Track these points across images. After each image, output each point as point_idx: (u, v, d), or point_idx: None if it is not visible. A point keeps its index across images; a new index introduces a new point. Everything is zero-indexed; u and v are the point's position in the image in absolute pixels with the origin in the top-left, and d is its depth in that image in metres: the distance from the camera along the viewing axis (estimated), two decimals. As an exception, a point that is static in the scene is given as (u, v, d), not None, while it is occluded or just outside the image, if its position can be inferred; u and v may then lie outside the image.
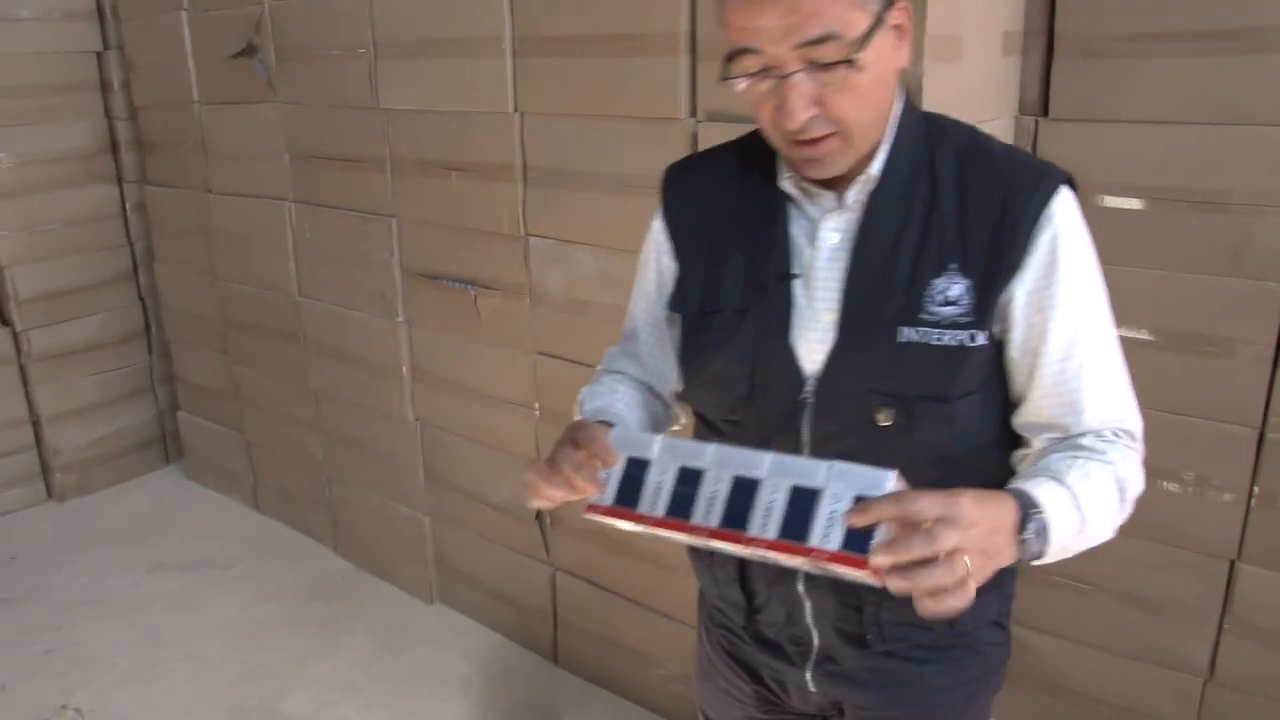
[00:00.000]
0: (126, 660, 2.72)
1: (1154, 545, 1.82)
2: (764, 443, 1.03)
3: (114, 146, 3.62)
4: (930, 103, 1.52)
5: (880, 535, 0.85)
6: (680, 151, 1.93)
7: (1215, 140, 1.63)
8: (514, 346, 2.41)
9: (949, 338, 0.99)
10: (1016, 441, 1.09)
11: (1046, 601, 1.93)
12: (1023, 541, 0.91)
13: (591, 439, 1.01)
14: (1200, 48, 1.60)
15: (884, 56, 0.97)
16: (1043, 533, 0.92)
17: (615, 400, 1.21)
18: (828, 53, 0.93)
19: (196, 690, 2.59)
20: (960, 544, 0.83)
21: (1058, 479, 0.97)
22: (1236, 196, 1.63)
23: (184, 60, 3.11)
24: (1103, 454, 1.01)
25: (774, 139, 1.02)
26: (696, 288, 1.14)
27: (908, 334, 1.00)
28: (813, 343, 1.05)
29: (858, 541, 0.86)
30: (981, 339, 1.00)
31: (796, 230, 1.08)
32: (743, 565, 1.16)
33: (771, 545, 0.90)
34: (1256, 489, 1.72)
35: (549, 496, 1.03)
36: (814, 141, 0.98)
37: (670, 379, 1.24)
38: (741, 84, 0.98)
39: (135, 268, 3.75)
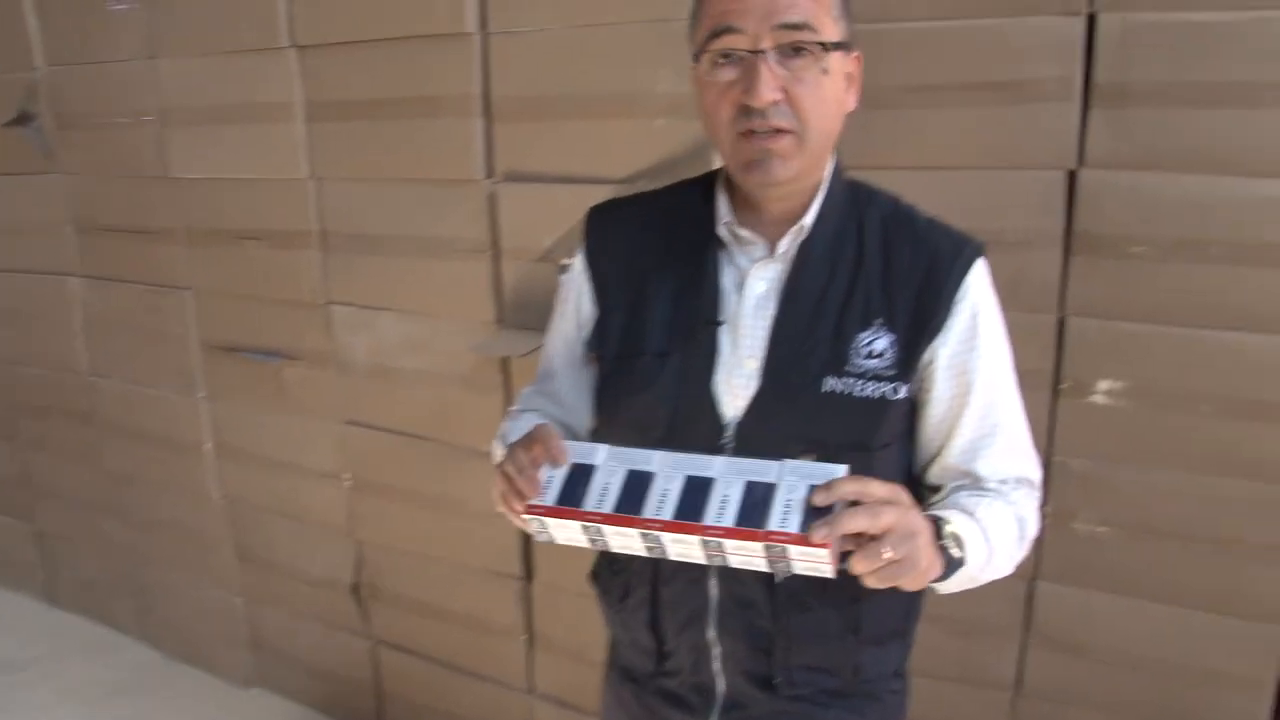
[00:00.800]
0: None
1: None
2: None
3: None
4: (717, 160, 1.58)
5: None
6: (479, 213, 1.95)
7: (988, 183, 1.74)
8: (321, 417, 2.34)
9: (872, 389, 1.04)
10: (922, 496, 1.15)
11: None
12: (942, 547, 0.96)
13: (546, 434, 1.00)
14: (969, 98, 1.72)
15: (841, 79, 1.04)
16: (957, 543, 0.98)
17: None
18: (803, 37, 0.98)
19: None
20: (895, 522, 0.88)
21: (967, 512, 1.04)
22: (1010, 235, 1.74)
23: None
24: (1005, 495, 1.09)
25: (727, 137, 1.03)
26: (617, 329, 1.14)
27: (832, 384, 1.04)
28: (735, 389, 1.07)
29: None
30: (903, 393, 1.05)
31: (725, 278, 1.11)
32: (654, 612, 1.16)
33: (729, 532, 0.90)
34: (1048, 509, 1.82)
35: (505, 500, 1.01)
36: (769, 135, 1.01)
37: (588, 420, 1.24)
38: (715, 73, 1.01)
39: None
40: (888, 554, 0.88)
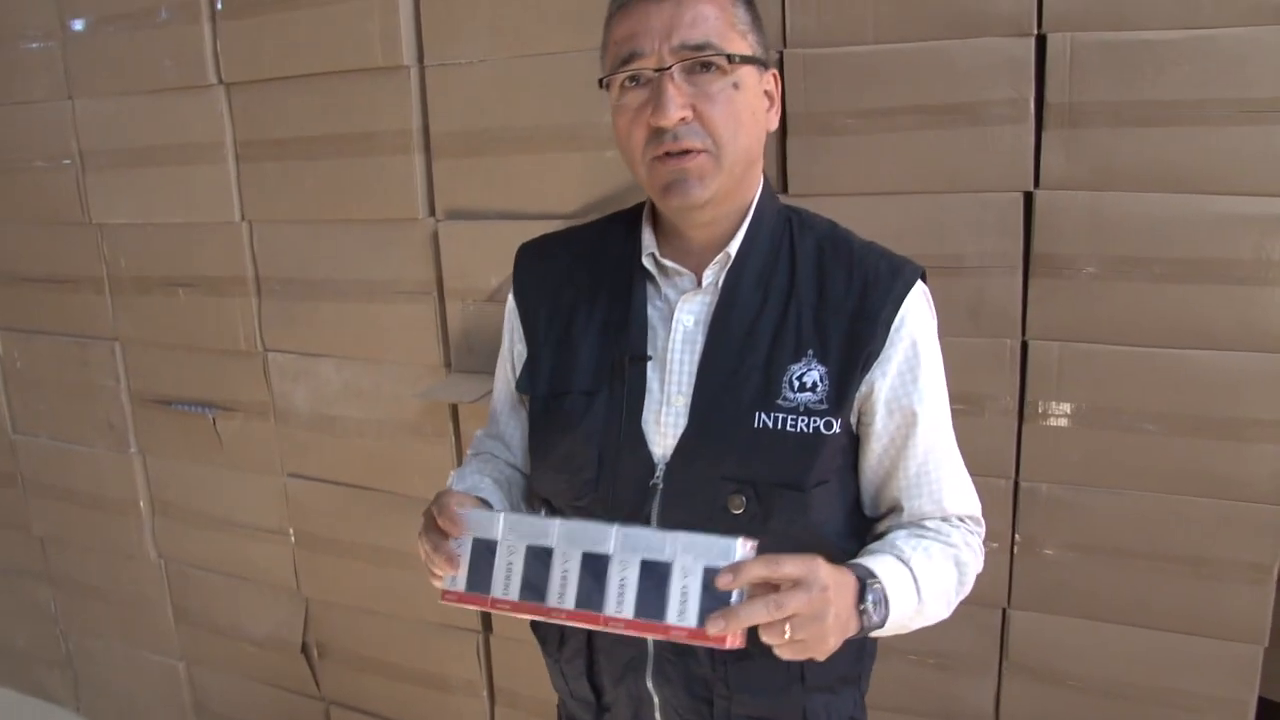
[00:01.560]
0: None
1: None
2: None
3: None
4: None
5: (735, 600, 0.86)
6: (421, 254, 1.88)
7: (943, 208, 1.72)
8: (261, 470, 2.24)
9: (804, 424, 0.99)
10: (865, 530, 1.10)
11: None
12: (862, 611, 0.92)
13: (444, 506, 0.97)
14: (920, 121, 1.70)
15: (758, 95, 1.01)
16: (880, 603, 0.94)
17: (483, 481, 1.15)
18: (707, 57, 0.96)
19: None
20: (800, 608, 0.83)
21: (900, 558, 0.99)
22: (968, 260, 1.72)
23: None
24: (946, 536, 1.05)
25: (642, 163, 1.00)
26: (546, 369, 1.11)
27: (762, 419, 1.00)
28: (665, 427, 1.03)
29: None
30: (836, 427, 1.00)
31: (652, 312, 1.07)
32: (590, 661, 1.13)
33: (630, 624, 0.89)
34: (1018, 537, 1.80)
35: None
36: (682, 157, 0.97)
37: None
38: (622, 99, 0.99)
39: None
40: (790, 636, 0.85)
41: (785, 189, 1.87)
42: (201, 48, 2.00)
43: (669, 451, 1.03)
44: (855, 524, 1.09)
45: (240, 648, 2.45)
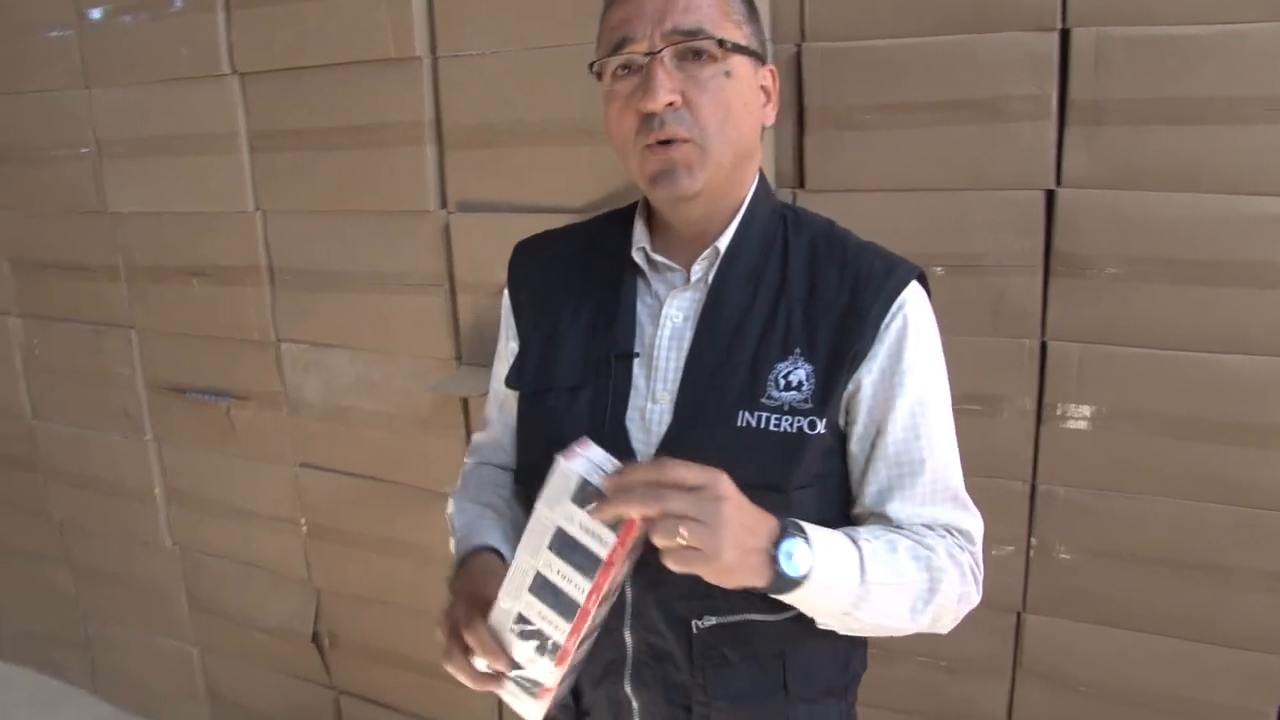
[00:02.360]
0: None
1: (948, 606, 1.86)
2: None
3: None
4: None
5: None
6: (433, 246, 1.87)
7: (962, 205, 1.69)
8: (273, 460, 2.24)
9: (787, 424, 0.96)
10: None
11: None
12: (774, 557, 0.86)
13: (473, 633, 0.92)
14: (941, 117, 1.67)
15: (752, 88, 0.98)
16: (800, 555, 0.87)
17: (482, 522, 1.11)
18: (699, 45, 0.94)
19: None
20: (689, 511, 0.80)
21: (851, 537, 0.94)
22: (988, 258, 1.69)
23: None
24: (922, 538, 1.00)
25: (632, 152, 0.98)
26: (533, 365, 1.09)
27: (746, 419, 0.97)
28: (649, 425, 1.01)
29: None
30: (821, 427, 0.97)
31: (641, 308, 1.05)
32: None
33: (592, 593, 0.86)
34: (1034, 540, 1.77)
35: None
36: (669, 146, 0.95)
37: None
38: (613, 87, 0.97)
39: None
40: (683, 537, 0.80)
41: (802, 184, 1.84)
42: (215, 37, 2.00)
43: (652, 450, 1.00)
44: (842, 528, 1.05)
45: (252, 636, 2.46)
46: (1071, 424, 1.70)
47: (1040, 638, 1.81)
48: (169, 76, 2.11)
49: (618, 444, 1.01)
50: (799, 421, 0.96)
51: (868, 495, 1.03)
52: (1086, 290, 1.63)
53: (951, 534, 1.03)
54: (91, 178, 2.31)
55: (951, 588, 1.00)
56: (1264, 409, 1.54)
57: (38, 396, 2.68)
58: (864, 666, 1.16)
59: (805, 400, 0.97)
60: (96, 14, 2.19)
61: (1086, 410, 1.68)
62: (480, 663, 0.93)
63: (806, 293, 1.00)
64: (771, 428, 0.96)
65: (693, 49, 0.94)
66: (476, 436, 1.27)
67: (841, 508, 1.05)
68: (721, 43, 0.94)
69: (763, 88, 1.02)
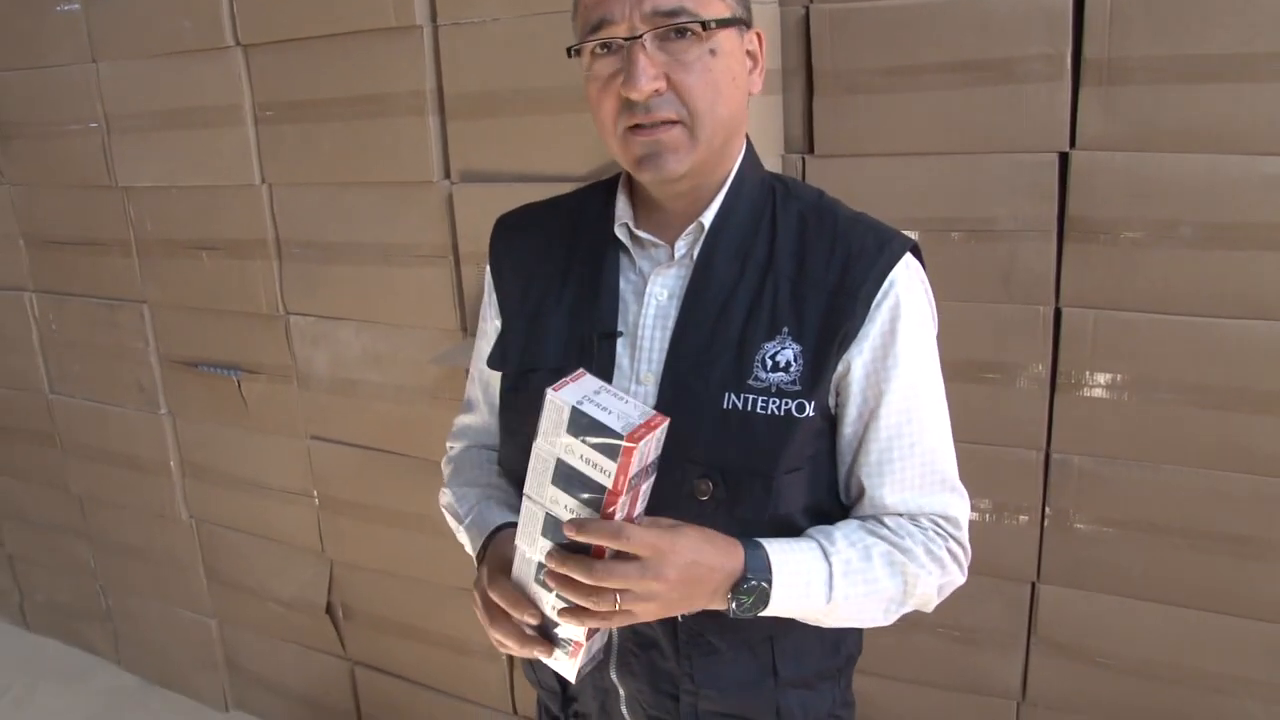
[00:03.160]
0: None
1: (962, 575, 1.84)
2: None
3: None
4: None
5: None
6: (437, 217, 1.85)
7: (974, 169, 1.66)
8: (285, 433, 2.25)
9: (775, 406, 0.93)
10: (839, 519, 1.03)
11: (867, 644, 1.92)
12: (731, 598, 0.90)
13: (504, 595, 0.93)
14: (951, 79, 1.63)
15: (738, 59, 0.95)
16: (757, 600, 0.90)
17: (489, 498, 1.12)
18: (681, 23, 0.90)
19: None
20: (630, 586, 0.83)
21: (826, 553, 0.94)
22: (1000, 223, 1.66)
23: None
24: (901, 539, 0.98)
25: (615, 134, 0.95)
26: (517, 345, 1.07)
27: (732, 401, 0.94)
28: None
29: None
30: (810, 410, 0.94)
31: (625, 285, 1.02)
32: None
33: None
34: (1048, 510, 1.75)
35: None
36: (655, 129, 0.92)
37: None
38: (594, 69, 0.94)
39: None
40: (619, 607, 0.85)
41: (812, 149, 1.81)
42: (218, 9, 1.97)
43: None
44: (829, 514, 1.03)
45: (269, 607, 2.47)
46: (1087, 392, 1.67)
47: (1055, 608, 1.79)
48: (174, 49, 2.10)
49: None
50: (787, 404, 0.94)
51: (858, 477, 1.00)
52: (1101, 255, 1.60)
53: (936, 525, 1.00)
54: (101, 152, 2.31)
55: (928, 587, 1.00)
56: (1283, 376, 1.50)
57: (55, 371, 2.70)
58: (859, 649, 1.14)
59: (793, 382, 0.94)
60: (102, -14, 2.18)
61: (1102, 378, 1.65)
62: (524, 626, 0.93)
63: (795, 269, 0.97)
64: (758, 410, 0.94)
65: (675, 29, 0.90)
66: (460, 420, 1.24)
67: (832, 489, 1.02)
68: (705, 24, 0.90)
69: (748, 53, 0.98)
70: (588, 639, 0.92)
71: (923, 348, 0.98)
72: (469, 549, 1.12)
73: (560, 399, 0.83)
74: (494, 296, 1.13)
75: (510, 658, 2.10)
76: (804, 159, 1.82)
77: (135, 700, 2.81)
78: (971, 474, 1.76)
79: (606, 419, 0.81)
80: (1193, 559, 1.65)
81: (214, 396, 2.34)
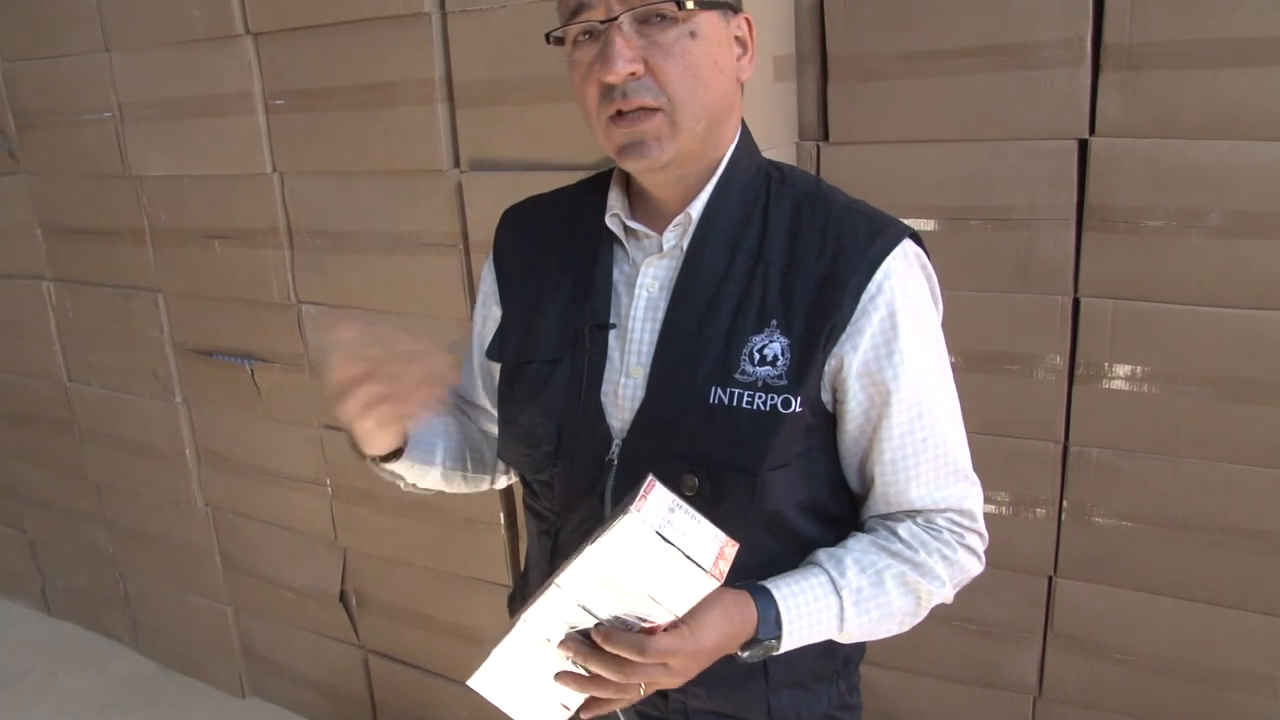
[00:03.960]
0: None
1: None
2: (569, 508, 0.98)
3: None
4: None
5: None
6: (446, 205, 1.84)
7: (992, 157, 1.63)
8: (298, 422, 2.25)
9: (760, 401, 0.91)
10: (838, 512, 1.02)
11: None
12: (739, 652, 0.92)
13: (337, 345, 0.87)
14: (968, 65, 1.61)
15: (722, 44, 0.92)
16: (765, 653, 0.92)
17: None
18: (659, 8, 0.87)
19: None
20: (659, 682, 0.86)
21: (837, 583, 0.94)
22: (1017, 211, 1.63)
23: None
24: (914, 553, 0.96)
25: (598, 122, 0.93)
26: (515, 336, 1.06)
27: (718, 395, 0.92)
28: (623, 400, 0.97)
29: None
30: (797, 405, 0.92)
31: (618, 275, 1.01)
32: None
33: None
34: (1066, 503, 1.72)
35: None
36: (635, 117, 0.90)
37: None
38: (574, 55, 0.92)
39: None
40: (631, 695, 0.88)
41: (826, 136, 1.79)
42: (228, -5, 1.97)
43: (626, 425, 0.97)
44: (825, 508, 1.01)
45: (283, 595, 2.48)
46: (1106, 384, 1.64)
47: (1072, 602, 1.77)
48: (184, 38, 2.09)
49: (594, 420, 0.98)
50: (773, 399, 0.91)
51: (870, 477, 0.99)
52: (1122, 244, 1.56)
53: (952, 523, 0.99)
54: (115, 141, 2.31)
55: (944, 596, 1.00)
56: (1308, 368, 1.47)
57: (72, 359, 2.71)
58: (860, 652, 1.12)
59: (780, 376, 0.92)
60: (115, -26, 2.18)
61: (1122, 369, 1.62)
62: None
63: (785, 259, 0.94)
64: (744, 405, 0.92)
65: (653, 12, 0.88)
66: None
67: (830, 485, 1.01)
68: (680, 3, 0.87)
69: (737, 38, 0.95)
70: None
71: (926, 339, 0.96)
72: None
73: (641, 522, 0.78)
74: (495, 287, 1.12)
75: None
76: (818, 146, 1.79)
77: (153, 685, 2.83)
78: (988, 466, 1.73)
79: (688, 548, 0.79)
80: (1213, 554, 1.62)
81: (228, 385, 2.35)
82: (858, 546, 0.97)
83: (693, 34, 0.89)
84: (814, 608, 0.92)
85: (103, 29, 2.23)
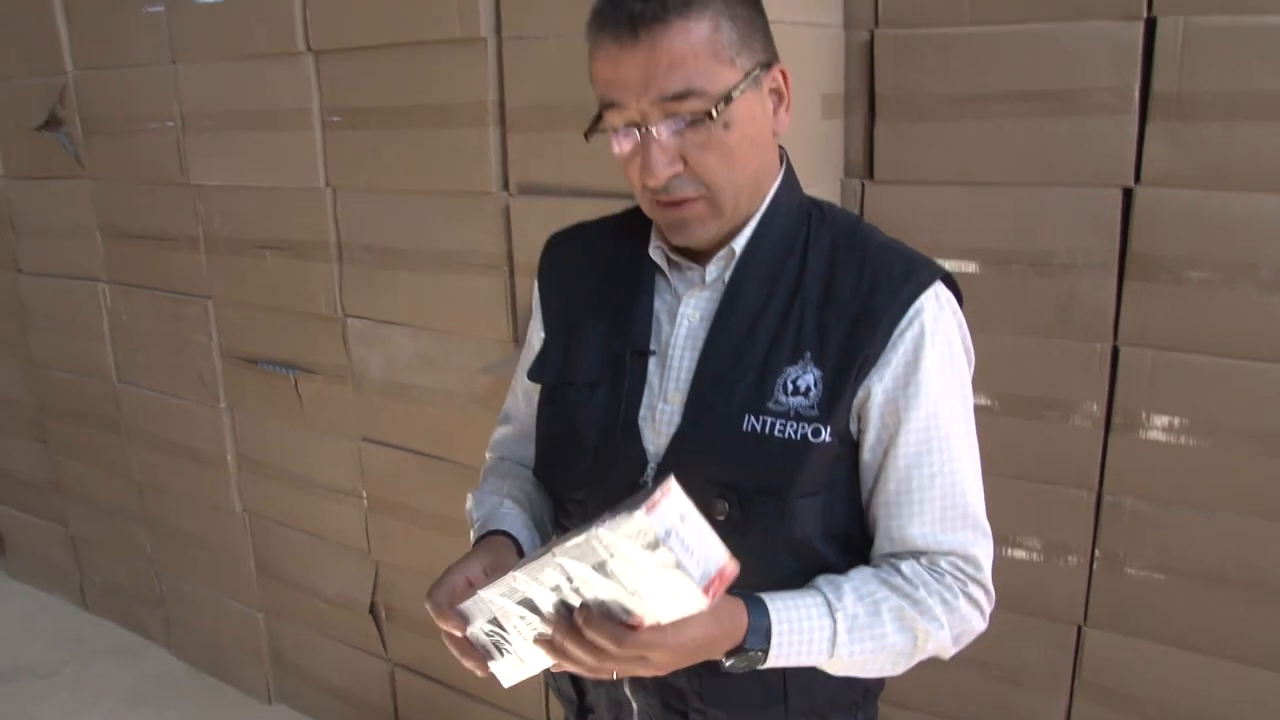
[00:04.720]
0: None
1: (1006, 614, 1.78)
2: None
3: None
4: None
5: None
6: (494, 227, 1.87)
7: (1036, 201, 1.63)
8: (337, 432, 2.28)
9: (791, 429, 0.94)
10: (863, 546, 1.03)
11: (906, 678, 1.88)
12: (724, 662, 0.91)
13: (436, 610, 0.99)
14: (1016, 109, 1.61)
15: (755, 118, 0.94)
16: (751, 664, 0.91)
17: (502, 504, 1.12)
18: (690, 108, 0.89)
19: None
20: (634, 671, 0.85)
21: (833, 606, 0.94)
22: (1059, 257, 1.63)
23: (-16, 133, 2.91)
24: (915, 591, 0.96)
25: (643, 201, 0.98)
26: (556, 359, 1.09)
27: (751, 423, 0.95)
28: (659, 425, 1.00)
29: None
30: (826, 436, 0.94)
31: (660, 305, 1.04)
32: None
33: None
34: (1098, 552, 1.70)
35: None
36: (679, 204, 0.94)
37: None
38: (614, 144, 0.95)
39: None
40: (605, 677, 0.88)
41: (871, 175, 1.80)
42: (291, 14, 2.02)
43: (662, 450, 0.99)
44: (852, 539, 1.01)
45: (314, 604, 2.51)
46: (1143, 433, 1.62)
47: (1101, 653, 1.75)
48: (247, 53, 2.15)
49: (630, 443, 1.00)
50: (804, 429, 0.94)
51: (876, 507, 0.99)
52: (1164, 294, 1.56)
53: (955, 568, 0.98)
54: (175, 150, 2.38)
55: (941, 641, 0.98)
56: (1352, 427, 1.45)
57: (123, 360, 2.78)
58: (880, 684, 1.12)
59: (812, 406, 0.94)
60: (186, -10, 2.25)
61: (1160, 420, 1.61)
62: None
63: (822, 294, 0.97)
64: (775, 433, 0.94)
65: (686, 117, 0.90)
66: (497, 431, 1.26)
67: (854, 515, 1.01)
68: (714, 111, 0.89)
69: (772, 91, 0.97)
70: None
71: (949, 378, 0.97)
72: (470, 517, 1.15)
73: (647, 523, 0.76)
74: (539, 310, 1.15)
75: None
76: (863, 184, 1.81)
77: (183, 686, 2.87)
78: (1021, 511, 1.74)
79: (687, 561, 0.77)
80: (1247, 612, 1.60)
81: (271, 393, 2.39)
82: (858, 576, 0.98)
83: (726, 125, 0.91)
84: (807, 626, 0.92)
85: (171, 41, 2.30)
